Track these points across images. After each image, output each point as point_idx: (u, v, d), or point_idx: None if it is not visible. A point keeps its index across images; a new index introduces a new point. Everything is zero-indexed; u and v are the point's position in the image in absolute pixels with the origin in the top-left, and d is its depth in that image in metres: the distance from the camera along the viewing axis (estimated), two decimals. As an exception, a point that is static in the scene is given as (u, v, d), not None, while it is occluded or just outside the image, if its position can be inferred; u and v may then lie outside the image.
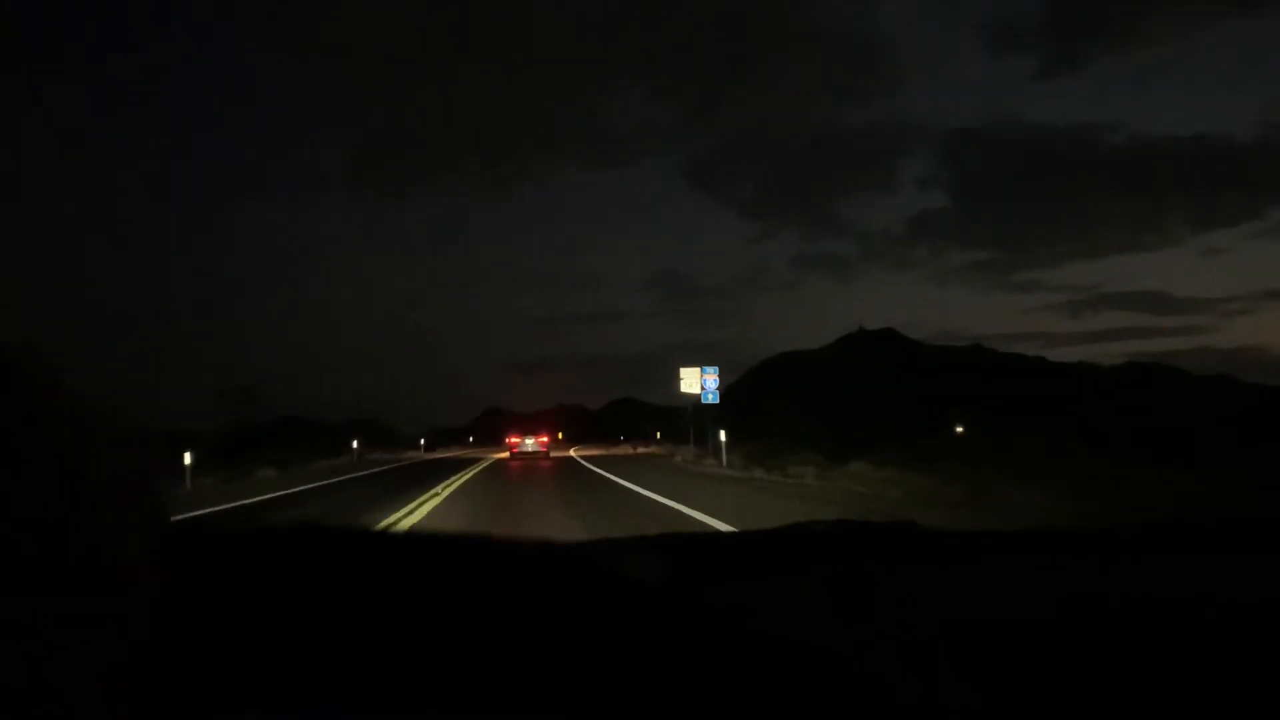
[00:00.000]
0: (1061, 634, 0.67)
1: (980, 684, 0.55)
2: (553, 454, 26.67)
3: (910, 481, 10.83)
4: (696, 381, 22.01)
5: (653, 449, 32.96)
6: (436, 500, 10.07)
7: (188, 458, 13.69)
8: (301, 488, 13.57)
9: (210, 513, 9.12)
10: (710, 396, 21.89)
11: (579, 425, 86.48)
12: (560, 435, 51.49)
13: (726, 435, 18.59)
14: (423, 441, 44.34)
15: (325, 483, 14.89)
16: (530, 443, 25.78)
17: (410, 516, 8.25)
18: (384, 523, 7.62)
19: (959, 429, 33.98)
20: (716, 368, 22.33)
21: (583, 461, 21.84)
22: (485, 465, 20.50)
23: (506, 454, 27.29)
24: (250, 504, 10.63)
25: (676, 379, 22.46)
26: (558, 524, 7.53)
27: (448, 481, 13.60)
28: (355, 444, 30.04)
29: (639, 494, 10.73)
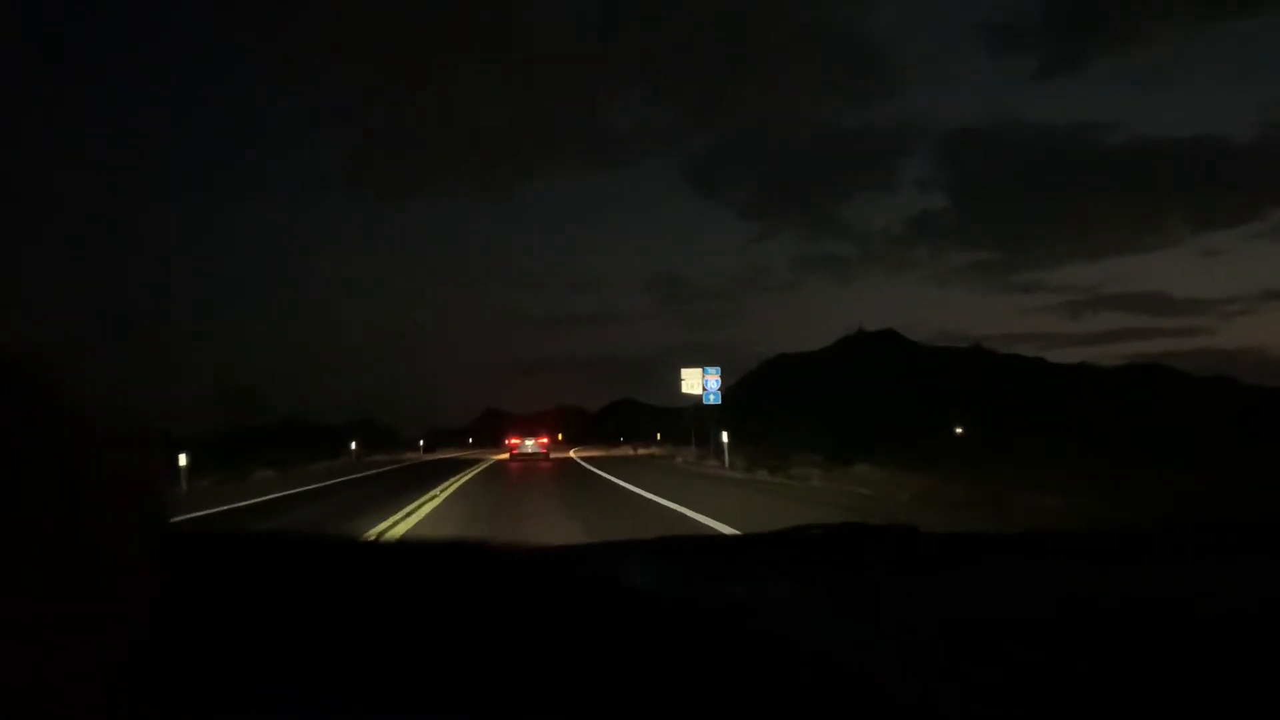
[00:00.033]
0: (1061, 636, 0.67)
1: (980, 685, 0.55)
2: (552, 455, 26.67)
3: (916, 483, 10.69)
4: (698, 382, 21.97)
5: (653, 450, 32.95)
6: (435, 503, 10.05)
7: (183, 459, 13.65)
8: (299, 489, 13.52)
9: (201, 515, 9.05)
10: (712, 397, 21.84)
11: (578, 426, 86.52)
12: (560, 436, 51.50)
13: (728, 437, 18.54)
14: (422, 443, 44.33)
15: (323, 484, 14.84)
16: (530, 444, 25.78)
17: (408, 519, 8.22)
18: (382, 525, 7.61)
19: (959, 430, 34.00)
20: (718, 368, 22.26)
21: (583, 463, 21.80)
22: (485, 467, 20.50)
23: (506, 455, 27.30)
24: (243, 507, 10.53)
25: (677, 380, 22.43)
26: (559, 528, 7.49)
27: (446, 483, 13.59)
28: (354, 445, 30.05)
29: (641, 496, 10.61)
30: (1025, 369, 71.14)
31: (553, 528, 7.52)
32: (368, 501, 10.75)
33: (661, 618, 0.55)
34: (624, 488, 12.22)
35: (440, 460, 27.91)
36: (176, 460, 13.62)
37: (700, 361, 22.93)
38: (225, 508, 10.16)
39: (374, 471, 19.59)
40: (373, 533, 7.10)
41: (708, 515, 7.90)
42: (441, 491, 11.61)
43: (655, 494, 10.68)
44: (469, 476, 15.90)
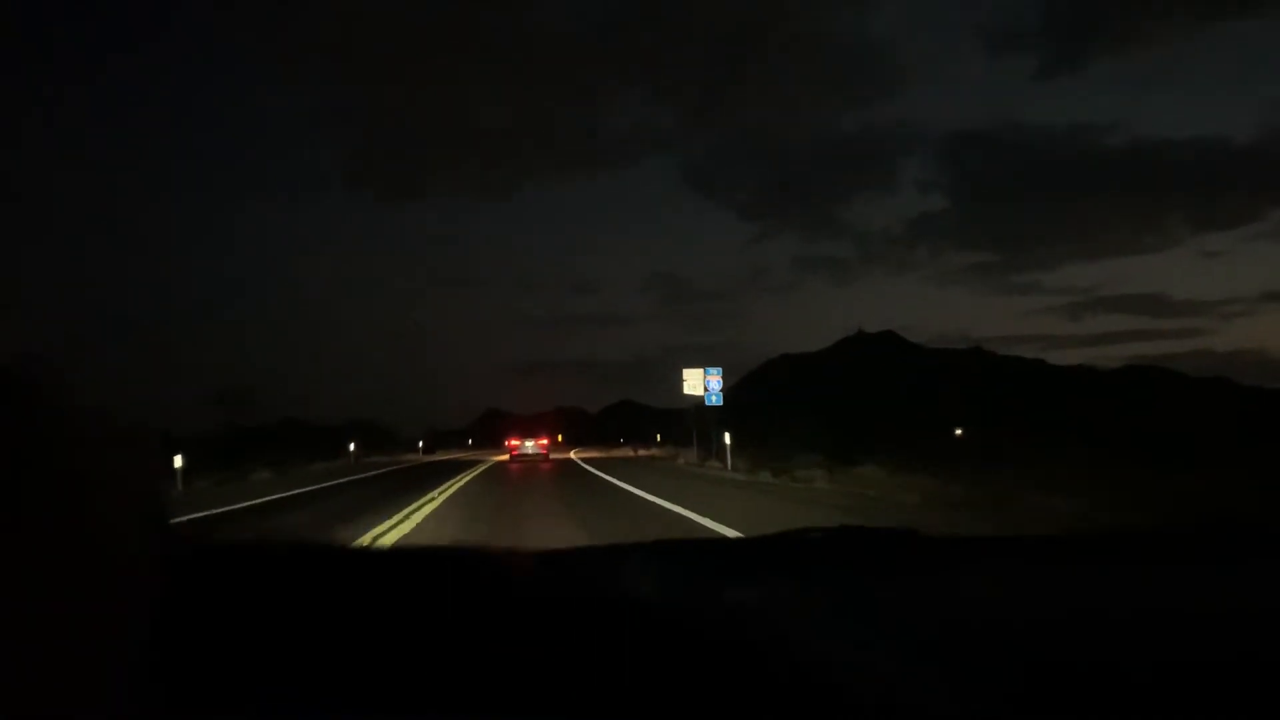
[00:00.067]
0: (1061, 637, 0.67)
1: (980, 686, 0.55)
2: (552, 456, 26.68)
3: (922, 485, 10.52)
4: (700, 383, 21.89)
5: (654, 452, 32.95)
6: (434, 505, 10.03)
7: (179, 460, 13.62)
8: (296, 491, 13.46)
9: (193, 518, 8.98)
10: (714, 398, 21.77)
11: (578, 428, 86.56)
12: (560, 438, 51.53)
13: (730, 438, 18.43)
14: (421, 444, 44.29)
15: (321, 486, 14.79)
16: (530, 445, 25.79)
17: (407, 522, 8.21)
18: (380, 527, 7.59)
19: (958, 431, 34.04)
20: (720, 369, 22.14)
21: (584, 465, 21.79)
22: (485, 468, 20.49)
23: (506, 456, 27.31)
24: (238, 509, 10.42)
25: (678, 381, 22.38)
26: (559, 531, 7.47)
27: (445, 485, 13.58)
28: (352, 446, 30.04)
29: (645, 500, 10.49)
30: (1025, 370, 71.27)
31: (553, 531, 7.50)
32: (366, 504, 10.69)
33: (661, 620, 0.55)
34: (626, 490, 12.12)
35: (440, 462, 27.91)
36: (171, 461, 13.60)
37: (700, 362, 22.89)
38: (220, 510, 10.08)
39: (373, 473, 19.57)
40: (371, 535, 7.10)
41: (712, 519, 7.78)
42: (440, 495, 11.59)
43: (659, 497, 10.55)
44: (469, 478, 15.88)
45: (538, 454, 25.57)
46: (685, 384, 22.16)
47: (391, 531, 7.33)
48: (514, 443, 26.37)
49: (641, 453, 33.22)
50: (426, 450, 42.41)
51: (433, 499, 10.75)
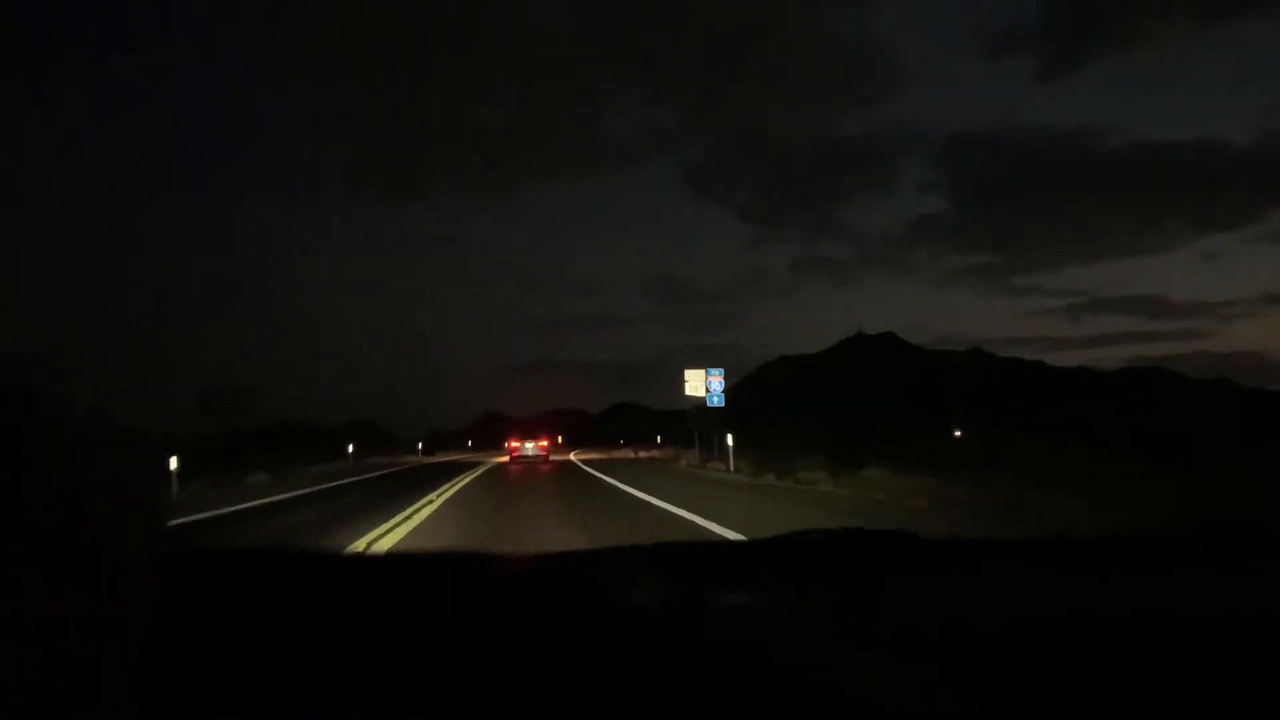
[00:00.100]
0: (1062, 639, 0.67)
1: (980, 688, 0.55)
2: (552, 458, 26.67)
3: (931, 487, 10.26)
4: (701, 384, 21.83)
5: (654, 453, 32.93)
6: (434, 507, 10.03)
7: (174, 462, 13.55)
8: (294, 493, 13.39)
9: (186, 522, 8.88)
10: (716, 399, 21.69)
11: (578, 429, 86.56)
12: (560, 439, 51.53)
13: (733, 440, 18.33)
14: (420, 445, 44.28)
15: (318, 488, 14.70)
16: (530, 447, 25.79)
17: (407, 523, 8.20)
18: (379, 529, 7.58)
19: (957, 433, 34.05)
20: (722, 370, 22.04)
21: (584, 467, 21.75)
22: (485, 469, 20.49)
23: (506, 458, 27.30)
24: (233, 512, 10.33)
25: (678, 382, 22.33)
26: (561, 534, 7.43)
27: (445, 487, 13.58)
28: (350, 448, 30.03)
29: (648, 502, 10.37)
30: (1025, 372, 71.31)
31: (553, 534, 7.48)
32: (364, 506, 10.64)
33: (661, 622, 0.56)
34: (629, 493, 12.01)
35: (439, 463, 27.90)
36: (166, 463, 13.52)
37: (700, 363, 22.91)
38: (214, 513, 9.99)
39: (372, 475, 19.56)
40: (372, 535, 7.10)
41: (719, 523, 7.61)
42: (439, 496, 11.58)
43: (662, 500, 10.39)
44: (468, 480, 15.88)
45: (538, 456, 25.56)
46: (687, 385, 22.12)
47: (391, 533, 7.33)
48: (514, 444, 26.37)
49: (642, 454, 33.21)
50: (426, 452, 42.39)
51: (431, 501, 10.74)
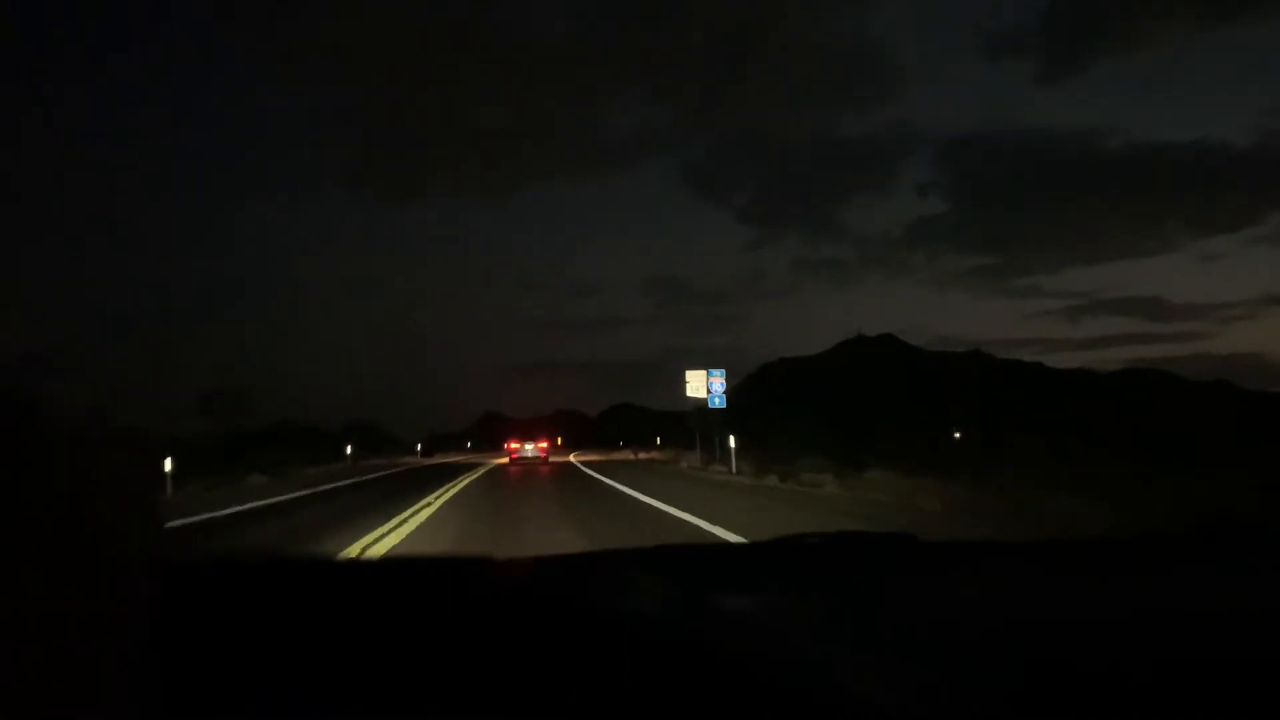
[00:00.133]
0: (1061, 640, 0.67)
1: (979, 688, 0.55)
2: (552, 460, 26.67)
3: (937, 489, 10.07)
4: (703, 385, 21.78)
5: (655, 455, 32.90)
6: (433, 508, 10.02)
7: (169, 464, 13.47)
8: (292, 495, 13.34)
9: (178, 525, 8.82)
10: (716, 401, 21.63)
11: (578, 431, 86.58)
12: (559, 441, 51.50)
13: (735, 441, 18.20)
14: (419, 447, 44.28)
15: (316, 490, 14.63)
16: (530, 448, 25.79)
17: (407, 524, 8.20)
18: (376, 531, 7.57)
19: (956, 434, 34.07)
20: (723, 371, 21.98)
21: (584, 468, 21.71)
22: (484, 471, 20.48)
23: (505, 459, 27.31)
24: (229, 515, 10.26)
25: (678, 383, 22.32)
26: (561, 536, 7.41)
27: (444, 489, 13.57)
28: (349, 449, 30.02)
29: (650, 505, 10.23)
30: (1025, 374, 71.35)
31: (553, 536, 7.47)
32: (362, 508, 10.59)
33: (660, 624, 0.55)
34: (631, 496, 11.91)
35: (439, 465, 27.89)
36: (161, 465, 13.44)
37: (700, 364, 22.82)
38: (211, 515, 9.92)
39: (371, 476, 19.53)
40: (373, 536, 7.10)
41: (723, 527, 7.45)
42: (438, 498, 11.57)
43: (665, 503, 10.23)
44: (468, 481, 15.87)
45: (537, 457, 25.56)
46: (688, 386, 22.09)
47: (390, 535, 7.32)
48: (513, 446, 26.38)
49: (642, 456, 33.19)
50: (425, 453, 42.39)
51: (430, 503, 10.73)
